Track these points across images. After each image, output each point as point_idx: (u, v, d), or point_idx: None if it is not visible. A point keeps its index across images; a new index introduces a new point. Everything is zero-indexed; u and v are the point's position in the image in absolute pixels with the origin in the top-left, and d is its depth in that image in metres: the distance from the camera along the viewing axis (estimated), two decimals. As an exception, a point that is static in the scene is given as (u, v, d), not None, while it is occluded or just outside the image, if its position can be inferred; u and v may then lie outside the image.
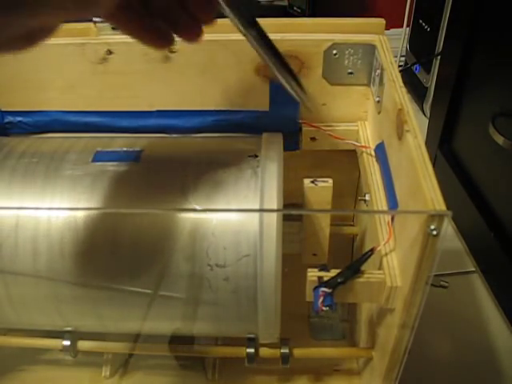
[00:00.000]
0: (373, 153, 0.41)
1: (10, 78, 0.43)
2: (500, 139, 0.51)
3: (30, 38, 0.24)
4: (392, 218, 0.33)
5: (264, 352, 0.41)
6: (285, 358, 0.41)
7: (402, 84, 0.35)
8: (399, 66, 0.92)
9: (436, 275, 0.58)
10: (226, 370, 0.48)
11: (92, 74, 0.43)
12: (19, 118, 0.45)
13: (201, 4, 0.28)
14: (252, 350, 0.40)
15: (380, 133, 0.40)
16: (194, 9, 0.28)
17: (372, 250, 0.33)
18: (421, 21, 0.85)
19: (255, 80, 0.44)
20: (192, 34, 0.29)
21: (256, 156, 0.38)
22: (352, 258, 0.52)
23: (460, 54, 0.61)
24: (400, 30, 0.93)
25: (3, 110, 0.45)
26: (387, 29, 0.43)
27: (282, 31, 0.42)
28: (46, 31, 0.24)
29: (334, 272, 0.32)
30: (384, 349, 0.35)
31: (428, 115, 0.79)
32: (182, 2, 0.28)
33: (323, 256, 0.44)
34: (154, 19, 0.28)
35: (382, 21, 0.43)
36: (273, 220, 0.34)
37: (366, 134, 0.44)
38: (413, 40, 0.91)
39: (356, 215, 0.52)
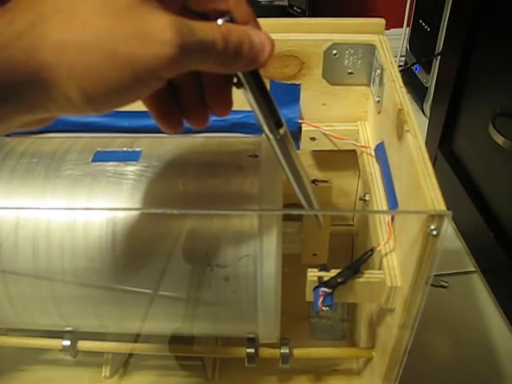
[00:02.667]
0: (373, 153, 0.41)
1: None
2: (500, 139, 0.51)
3: (43, 121, 0.24)
4: (392, 218, 0.33)
5: (264, 352, 0.41)
6: (285, 358, 0.41)
7: (401, 84, 0.35)
8: (399, 66, 0.92)
9: (436, 275, 0.58)
10: (226, 370, 0.48)
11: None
12: (19, 118, 0.45)
13: (219, 99, 0.27)
14: (252, 350, 0.40)
15: (380, 133, 0.40)
16: (210, 99, 0.27)
17: (372, 250, 0.33)
18: (421, 21, 0.85)
19: (255, 80, 0.43)
20: (202, 122, 0.28)
21: (256, 156, 0.38)
22: (352, 258, 0.52)
23: (460, 54, 0.61)
24: (400, 30, 0.93)
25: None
26: (387, 29, 0.43)
27: (282, 31, 0.42)
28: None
29: (334, 272, 0.32)
30: (384, 349, 0.35)
31: (428, 115, 0.79)
32: (203, 95, 0.27)
33: (323, 256, 0.44)
34: (171, 98, 0.27)
35: (382, 21, 0.43)
36: (273, 220, 0.34)
37: (366, 134, 0.44)
38: (413, 40, 0.91)
39: (356, 215, 0.52)
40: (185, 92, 0.27)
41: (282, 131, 0.28)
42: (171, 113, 0.27)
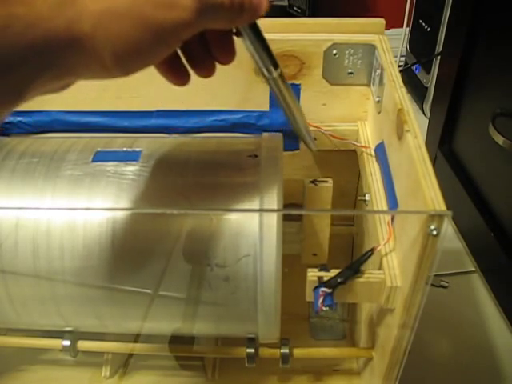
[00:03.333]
0: (373, 153, 0.41)
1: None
2: (500, 139, 0.51)
3: (66, 86, 0.26)
4: (392, 218, 0.33)
5: (264, 352, 0.41)
6: (285, 358, 0.41)
7: (401, 84, 0.35)
8: (399, 66, 0.92)
9: (436, 275, 0.58)
10: (226, 370, 0.48)
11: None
12: (19, 118, 0.45)
13: (223, 48, 0.30)
14: (252, 350, 0.40)
15: (380, 133, 0.40)
16: (216, 52, 0.30)
17: (372, 250, 0.33)
18: (421, 21, 0.85)
19: (255, 80, 0.44)
20: (208, 71, 0.31)
21: (256, 156, 0.38)
22: (352, 258, 0.52)
23: (460, 54, 0.61)
24: (400, 30, 0.93)
25: (3, 110, 0.45)
26: (387, 29, 0.43)
27: (282, 31, 0.42)
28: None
29: (334, 272, 0.32)
30: (384, 349, 0.35)
31: (428, 115, 0.79)
32: (206, 43, 0.29)
33: (323, 256, 0.44)
34: (178, 56, 0.30)
35: (382, 21, 0.43)
36: (273, 220, 0.34)
37: (366, 134, 0.44)
38: (413, 40, 0.91)
39: (356, 215, 0.52)
40: (192, 46, 0.29)
41: (277, 72, 0.32)
42: (178, 66, 0.30)
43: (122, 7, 0.22)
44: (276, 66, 0.32)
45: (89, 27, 0.22)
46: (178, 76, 0.30)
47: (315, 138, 0.45)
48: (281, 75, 0.33)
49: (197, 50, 0.30)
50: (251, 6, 0.27)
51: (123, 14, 0.22)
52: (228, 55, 0.30)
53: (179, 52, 0.30)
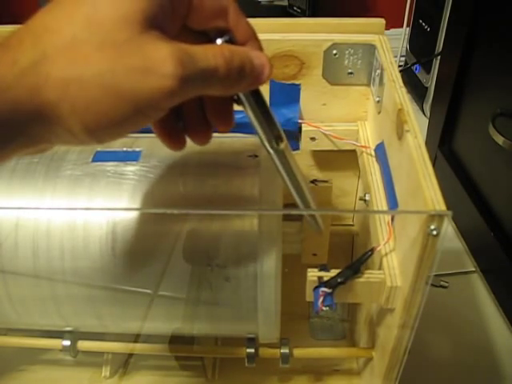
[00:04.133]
0: (373, 153, 0.41)
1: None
2: (500, 139, 0.51)
3: (43, 150, 0.24)
4: (392, 218, 0.33)
5: (264, 352, 0.41)
6: (285, 358, 0.41)
7: (401, 84, 0.35)
8: (399, 66, 0.92)
9: (436, 275, 0.58)
10: (226, 370, 0.48)
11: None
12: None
13: (221, 116, 0.27)
14: (252, 350, 0.40)
15: (380, 133, 0.40)
16: (213, 119, 0.28)
17: (372, 250, 0.33)
18: (421, 21, 0.85)
19: (255, 80, 0.43)
20: (203, 139, 0.28)
21: (256, 156, 0.38)
22: (352, 258, 0.52)
23: (460, 54, 0.61)
24: (400, 30, 0.93)
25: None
26: (387, 29, 0.43)
27: (282, 31, 0.42)
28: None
29: (334, 272, 0.32)
30: (384, 349, 0.35)
31: (428, 115, 0.79)
32: (203, 111, 0.27)
33: (323, 256, 0.44)
34: (174, 119, 0.27)
35: (382, 21, 0.43)
36: (273, 220, 0.34)
37: (366, 134, 0.44)
38: (413, 40, 0.91)
39: (356, 215, 0.52)
40: (187, 111, 0.27)
41: (282, 145, 0.28)
42: (174, 131, 0.28)
43: (90, 74, 0.20)
44: (281, 139, 0.28)
45: (54, 96, 0.20)
46: (172, 140, 0.28)
47: (315, 138, 0.45)
48: (286, 149, 0.28)
49: (192, 116, 0.27)
50: (253, 71, 0.23)
51: (91, 82, 0.20)
52: (226, 123, 0.28)
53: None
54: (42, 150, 0.24)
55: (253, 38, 0.25)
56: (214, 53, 0.22)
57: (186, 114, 0.27)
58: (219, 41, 0.24)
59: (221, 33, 0.24)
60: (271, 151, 0.28)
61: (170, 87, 0.20)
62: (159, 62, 0.20)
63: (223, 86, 0.23)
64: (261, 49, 0.25)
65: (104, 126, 0.21)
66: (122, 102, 0.20)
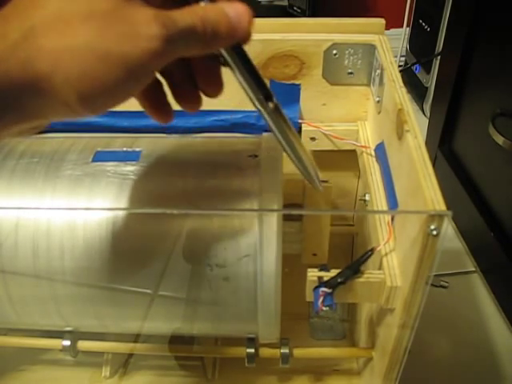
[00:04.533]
0: (373, 153, 0.41)
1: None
2: (500, 139, 0.51)
3: (38, 127, 0.25)
4: (392, 218, 0.33)
5: (264, 352, 0.41)
6: (285, 358, 0.41)
7: (402, 84, 0.35)
8: (399, 66, 0.92)
9: (436, 275, 0.58)
10: (226, 370, 0.48)
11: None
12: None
13: (209, 80, 0.28)
14: (252, 350, 0.40)
15: (380, 133, 0.40)
16: (202, 83, 0.28)
17: (372, 250, 0.33)
18: (421, 21, 0.85)
19: (255, 80, 0.43)
20: (193, 104, 0.29)
21: (256, 156, 0.38)
22: (352, 258, 0.52)
23: (460, 54, 0.61)
24: (400, 30, 0.93)
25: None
26: (387, 29, 0.43)
27: (282, 31, 0.42)
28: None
29: (334, 272, 0.32)
30: (384, 349, 0.35)
31: (428, 115, 0.79)
32: (191, 75, 0.28)
33: (323, 256, 0.44)
34: (161, 91, 0.28)
35: (381, 21, 0.43)
36: (273, 220, 0.34)
37: (366, 134, 0.44)
38: (413, 40, 0.91)
39: (356, 215, 0.52)
40: (176, 78, 0.28)
41: (271, 104, 0.28)
42: (161, 104, 0.28)
43: (81, 43, 0.21)
44: (269, 98, 0.28)
45: (47, 67, 0.20)
46: (159, 112, 0.29)
47: (315, 138, 0.45)
48: (276, 108, 0.28)
49: (181, 81, 0.28)
50: (229, 27, 0.24)
51: (83, 50, 0.21)
52: (215, 87, 0.28)
53: (165, 84, 0.28)
54: (36, 127, 0.24)
55: None
56: (190, 12, 0.23)
57: (176, 81, 0.28)
58: (202, 3, 0.25)
59: None
60: (261, 109, 0.28)
61: (156, 48, 0.21)
62: (144, 25, 0.21)
63: (203, 42, 0.24)
64: (245, 4, 0.26)
65: (98, 92, 0.21)
66: (114, 66, 0.21)
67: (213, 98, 0.29)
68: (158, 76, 0.28)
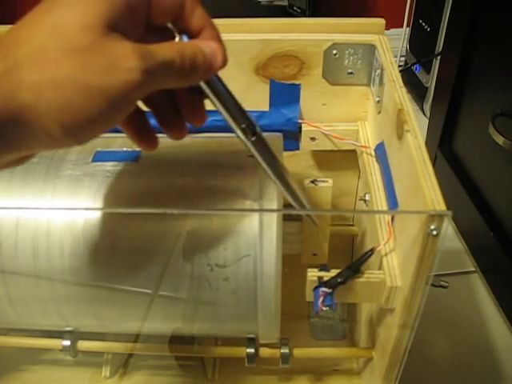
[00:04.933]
0: (373, 153, 0.41)
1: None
2: (500, 139, 0.51)
3: (24, 158, 0.25)
4: (392, 218, 0.33)
5: (264, 352, 0.41)
6: (285, 358, 0.41)
7: (402, 84, 0.35)
8: (399, 66, 0.92)
9: (436, 275, 0.58)
10: (226, 370, 0.48)
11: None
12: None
13: (192, 109, 0.29)
14: (252, 350, 0.40)
15: (380, 133, 0.40)
16: (185, 113, 0.29)
17: (372, 250, 0.33)
18: (421, 21, 0.85)
19: (255, 80, 0.44)
20: (178, 133, 0.30)
21: (256, 156, 0.38)
22: (352, 258, 0.52)
23: (460, 54, 0.61)
24: (400, 30, 0.93)
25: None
26: (387, 29, 0.43)
27: (282, 31, 0.42)
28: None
29: (334, 272, 0.32)
30: (384, 349, 0.35)
31: (428, 115, 0.79)
32: (176, 105, 0.29)
33: (323, 256, 0.44)
34: (145, 120, 0.29)
35: (381, 21, 0.43)
36: (273, 220, 0.34)
37: (366, 134, 0.44)
38: (413, 40, 0.91)
39: (356, 215, 0.52)
40: (160, 108, 0.29)
41: (254, 134, 0.29)
42: (146, 132, 0.30)
43: (63, 75, 0.21)
44: (251, 128, 0.29)
45: (29, 98, 0.21)
46: (144, 139, 0.30)
47: (315, 138, 0.45)
48: (260, 138, 0.29)
49: (166, 111, 0.29)
50: (205, 61, 0.26)
51: (65, 82, 0.21)
52: (198, 118, 0.29)
53: (151, 113, 0.29)
54: (22, 159, 0.25)
55: (208, 26, 0.27)
56: (168, 47, 0.24)
57: (160, 111, 0.29)
58: (177, 39, 0.26)
59: (179, 33, 0.26)
60: (245, 140, 0.29)
61: (135, 80, 0.22)
62: (123, 58, 0.22)
63: (181, 76, 0.25)
64: (217, 37, 0.27)
65: (80, 123, 0.22)
66: (95, 98, 0.22)
67: (197, 127, 0.30)
68: (142, 105, 0.29)
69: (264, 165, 0.31)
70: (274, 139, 0.41)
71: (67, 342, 0.41)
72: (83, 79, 0.21)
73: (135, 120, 0.28)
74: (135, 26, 0.24)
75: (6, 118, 0.21)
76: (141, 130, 0.29)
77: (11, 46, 0.22)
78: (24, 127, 0.22)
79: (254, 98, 0.44)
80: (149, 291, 0.36)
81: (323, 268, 0.33)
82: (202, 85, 0.27)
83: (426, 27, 0.83)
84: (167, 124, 0.30)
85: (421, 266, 0.27)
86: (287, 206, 0.41)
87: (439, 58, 0.78)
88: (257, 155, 0.30)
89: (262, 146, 0.30)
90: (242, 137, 0.29)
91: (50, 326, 0.41)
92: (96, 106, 0.22)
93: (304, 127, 0.45)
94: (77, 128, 0.22)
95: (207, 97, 0.28)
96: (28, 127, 0.22)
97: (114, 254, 0.35)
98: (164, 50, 0.24)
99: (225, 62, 0.27)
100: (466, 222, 0.63)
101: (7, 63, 0.21)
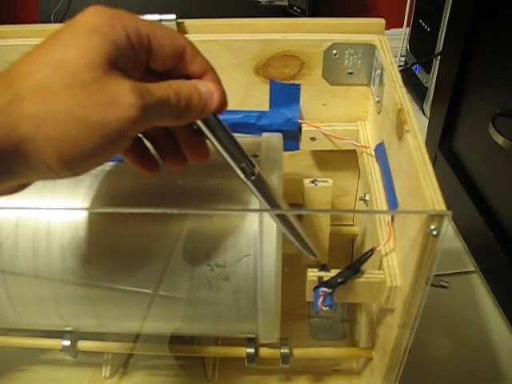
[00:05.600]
0: (373, 153, 0.41)
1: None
2: (500, 139, 0.51)
3: (20, 187, 0.26)
4: (392, 218, 0.33)
5: (264, 352, 0.41)
6: (285, 358, 0.41)
7: (402, 84, 0.35)
8: (399, 66, 0.92)
9: (436, 275, 0.58)
10: (226, 370, 0.48)
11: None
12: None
13: (193, 146, 0.30)
14: (252, 350, 0.40)
15: (380, 133, 0.40)
16: (186, 151, 0.30)
17: (372, 250, 0.33)
18: (421, 21, 0.85)
19: (255, 80, 0.44)
20: (181, 167, 0.31)
21: (256, 156, 0.38)
22: (352, 258, 0.52)
23: (460, 54, 0.61)
24: (400, 30, 0.93)
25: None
26: (387, 29, 0.43)
27: (282, 31, 0.42)
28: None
29: (334, 272, 0.32)
30: (384, 349, 0.35)
31: (428, 115, 0.79)
32: (174, 139, 0.30)
33: (323, 256, 0.44)
34: (144, 148, 0.30)
35: (381, 21, 0.43)
36: (273, 220, 0.34)
37: (366, 134, 0.44)
38: (413, 40, 0.91)
39: (356, 215, 0.52)
40: (160, 143, 0.30)
41: (255, 171, 0.29)
42: (146, 160, 0.30)
43: (62, 109, 0.22)
44: (251, 167, 0.29)
45: (29, 131, 0.22)
46: (146, 166, 0.30)
47: (315, 138, 0.45)
48: (259, 176, 0.30)
49: (165, 147, 0.30)
50: (200, 101, 0.26)
51: (64, 115, 0.22)
52: (200, 156, 0.30)
53: (148, 144, 0.30)
54: (18, 186, 0.25)
55: (209, 72, 0.28)
56: (165, 86, 0.25)
57: (160, 145, 0.30)
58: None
59: (179, 78, 0.27)
60: (244, 180, 0.29)
61: (133, 116, 0.23)
62: (122, 95, 0.23)
63: (177, 113, 0.26)
64: (217, 80, 0.28)
65: (78, 156, 0.23)
66: (93, 132, 0.23)
67: (200, 163, 0.30)
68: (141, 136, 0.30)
69: (265, 203, 0.31)
70: (273, 139, 0.41)
71: (67, 342, 0.41)
72: (83, 113, 0.22)
73: (135, 148, 0.29)
74: (135, 66, 0.25)
75: (5, 148, 0.22)
76: (141, 158, 0.30)
77: (14, 79, 0.22)
78: (22, 158, 0.22)
79: (254, 97, 0.44)
80: (149, 291, 0.36)
81: (323, 268, 0.33)
82: (200, 124, 0.28)
83: (426, 27, 0.83)
84: (167, 158, 0.30)
85: (421, 266, 0.27)
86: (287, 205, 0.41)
87: (439, 58, 0.78)
88: (257, 194, 0.30)
89: (262, 185, 0.30)
90: (242, 176, 0.29)
91: (50, 326, 0.41)
92: (94, 140, 0.23)
93: (304, 127, 0.45)
94: (74, 160, 0.23)
95: (206, 136, 0.28)
96: (26, 158, 0.22)
97: (114, 254, 0.35)
98: (161, 88, 0.25)
99: (222, 104, 0.27)
100: (466, 222, 0.63)
101: (10, 95, 0.22)
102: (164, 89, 0.25)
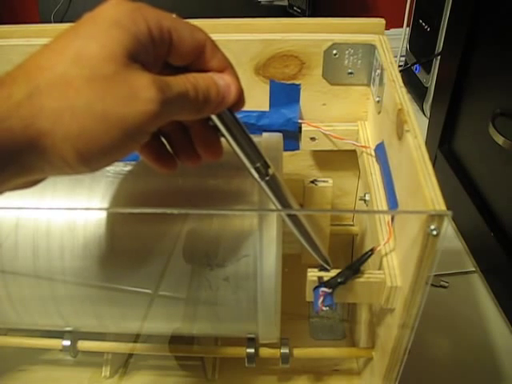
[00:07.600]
0: (373, 153, 0.41)
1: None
2: (500, 139, 0.51)
3: (35, 182, 0.26)
4: (392, 218, 0.33)
5: (264, 352, 0.41)
6: (285, 358, 0.41)
7: (401, 84, 0.35)
8: (399, 66, 0.92)
9: (436, 275, 0.58)
10: (226, 370, 0.48)
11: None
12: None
13: (207, 144, 0.29)
14: (252, 350, 0.40)
15: (380, 133, 0.40)
16: (200, 148, 0.29)
17: (372, 250, 0.33)
18: (421, 21, 0.85)
19: (255, 80, 0.44)
20: (195, 163, 0.30)
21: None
22: (352, 258, 0.52)
23: (460, 54, 0.61)
24: (400, 30, 0.93)
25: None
26: (387, 29, 0.43)
27: (282, 31, 0.42)
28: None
29: (334, 272, 0.32)
30: (384, 349, 0.35)
31: (428, 115, 0.79)
32: (191, 140, 0.29)
33: (323, 256, 0.44)
34: (162, 145, 0.29)
35: (381, 21, 0.43)
36: (273, 220, 0.34)
37: (366, 134, 0.44)
38: (413, 40, 0.91)
39: (356, 215, 0.52)
40: (175, 140, 0.29)
41: (270, 171, 0.29)
42: (163, 157, 0.30)
43: (81, 103, 0.22)
44: (266, 167, 0.28)
45: (48, 125, 0.21)
46: (162, 163, 0.30)
47: (315, 138, 0.45)
48: (274, 176, 0.29)
49: (180, 143, 0.29)
50: (218, 94, 0.26)
51: (83, 110, 0.22)
52: (212, 152, 0.30)
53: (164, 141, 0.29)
54: (34, 181, 0.25)
55: (228, 68, 0.27)
56: (183, 79, 0.25)
57: (175, 142, 0.30)
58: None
59: (196, 71, 0.26)
60: (258, 179, 0.29)
61: (153, 110, 0.23)
62: (142, 89, 0.23)
63: (195, 107, 0.25)
64: (236, 76, 0.27)
65: (96, 151, 0.22)
66: (112, 127, 0.22)
67: (213, 161, 0.30)
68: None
69: (277, 204, 0.30)
70: (273, 139, 0.41)
71: (67, 342, 0.41)
72: (102, 108, 0.22)
73: (152, 146, 0.29)
74: (155, 60, 0.25)
75: (24, 142, 0.21)
76: (158, 155, 0.29)
77: (32, 72, 0.22)
78: (40, 152, 0.22)
79: (254, 97, 0.44)
80: (149, 291, 0.36)
81: (323, 268, 0.33)
82: (216, 120, 0.27)
83: (426, 27, 0.83)
84: (180, 154, 0.30)
85: (421, 266, 0.27)
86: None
87: (439, 58, 0.78)
88: (270, 195, 0.30)
89: (276, 186, 0.29)
90: (256, 176, 0.29)
91: (50, 325, 0.41)
92: (112, 135, 0.22)
93: (304, 127, 0.45)
94: (92, 156, 0.23)
95: (221, 133, 0.28)
96: (44, 153, 0.22)
97: (114, 254, 0.35)
98: (180, 82, 0.25)
99: (240, 99, 0.27)
100: (466, 222, 0.63)
101: (29, 88, 0.22)
102: (182, 82, 0.25)
